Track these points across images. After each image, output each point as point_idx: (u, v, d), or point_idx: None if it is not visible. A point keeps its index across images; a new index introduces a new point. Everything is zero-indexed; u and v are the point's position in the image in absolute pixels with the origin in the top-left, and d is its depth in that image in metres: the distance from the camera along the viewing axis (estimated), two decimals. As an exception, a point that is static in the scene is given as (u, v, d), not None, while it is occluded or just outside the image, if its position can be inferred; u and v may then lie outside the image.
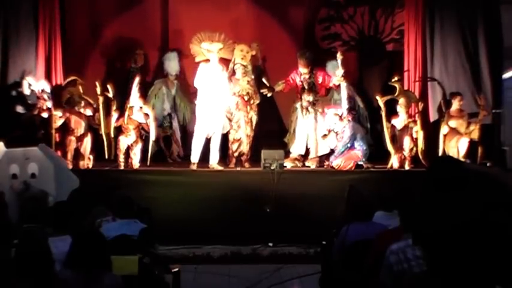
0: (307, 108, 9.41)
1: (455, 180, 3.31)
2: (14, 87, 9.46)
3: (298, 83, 9.41)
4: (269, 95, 9.52)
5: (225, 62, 9.41)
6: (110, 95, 9.13)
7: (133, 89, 9.23)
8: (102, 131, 9.19)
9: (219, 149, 9.24)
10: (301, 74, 9.40)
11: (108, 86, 9.12)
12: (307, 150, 9.52)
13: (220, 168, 9.14)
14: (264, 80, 9.57)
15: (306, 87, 9.38)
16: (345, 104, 9.28)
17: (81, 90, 9.28)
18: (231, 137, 9.31)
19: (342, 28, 10.87)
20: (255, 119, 9.37)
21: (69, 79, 9.46)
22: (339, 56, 9.25)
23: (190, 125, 9.92)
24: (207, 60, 9.22)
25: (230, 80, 9.29)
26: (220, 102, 9.16)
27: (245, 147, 9.35)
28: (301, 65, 9.35)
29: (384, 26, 10.79)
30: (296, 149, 9.51)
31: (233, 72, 9.33)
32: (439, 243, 2.92)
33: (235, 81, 9.30)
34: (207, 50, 9.14)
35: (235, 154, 9.36)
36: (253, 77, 9.50)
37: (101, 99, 9.15)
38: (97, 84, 9.18)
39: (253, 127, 9.38)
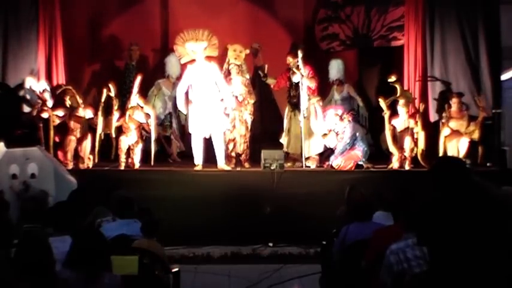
0: (295, 105, 9.42)
1: (457, 180, 3.31)
2: (14, 87, 9.46)
3: (287, 80, 9.41)
4: (268, 81, 9.76)
5: (219, 62, 9.39)
6: (112, 94, 9.13)
7: (134, 89, 9.24)
8: (98, 134, 9.17)
9: (224, 149, 9.25)
10: (289, 67, 9.38)
11: (110, 85, 9.12)
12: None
13: (228, 168, 9.12)
14: (260, 72, 9.63)
15: (294, 82, 9.37)
16: (304, 102, 9.22)
17: (78, 96, 9.25)
18: (226, 137, 9.31)
19: (340, 28, 10.87)
20: (249, 119, 9.36)
21: (62, 88, 9.43)
22: (299, 53, 9.23)
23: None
24: (193, 61, 9.22)
25: (227, 81, 9.30)
26: (214, 101, 9.12)
27: (240, 148, 9.33)
28: (289, 56, 9.37)
29: (377, 24, 10.77)
30: (292, 149, 9.49)
31: (228, 72, 9.34)
32: (442, 242, 2.93)
33: (229, 82, 9.30)
34: (192, 51, 9.13)
35: (232, 154, 9.35)
36: (248, 76, 9.53)
37: (101, 106, 9.16)
38: (111, 87, 9.13)
39: (249, 127, 9.37)
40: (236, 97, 9.25)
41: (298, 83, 9.32)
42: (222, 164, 9.12)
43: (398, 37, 10.31)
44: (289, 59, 9.44)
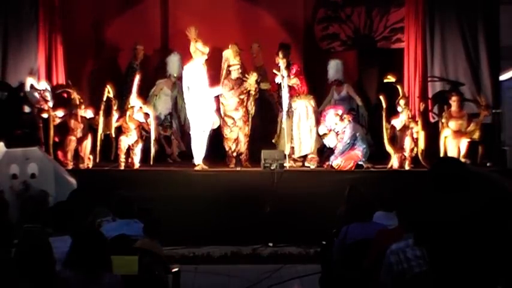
0: (281, 106, 9.43)
1: (456, 181, 3.32)
2: (14, 87, 9.47)
3: (279, 80, 9.40)
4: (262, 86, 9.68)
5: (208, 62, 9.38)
6: (111, 95, 9.14)
7: (134, 88, 9.25)
8: (99, 134, 9.18)
9: (207, 147, 9.26)
10: (279, 67, 9.37)
11: (109, 86, 9.13)
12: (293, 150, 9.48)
13: (205, 167, 9.12)
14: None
15: (283, 83, 9.37)
16: (285, 104, 9.23)
17: (78, 96, 9.25)
18: (231, 136, 9.31)
19: (340, 28, 10.87)
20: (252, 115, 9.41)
21: (64, 89, 9.43)
22: (280, 54, 9.24)
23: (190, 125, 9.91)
24: (190, 60, 9.25)
25: (228, 81, 9.31)
26: (207, 100, 9.17)
27: (243, 147, 9.35)
28: (281, 57, 9.32)
29: (379, 25, 10.78)
30: (284, 149, 9.47)
31: (228, 72, 9.34)
32: (440, 242, 2.93)
33: (234, 81, 9.30)
34: (202, 52, 9.15)
35: (234, 154, 9.36)
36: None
37: (102, 106, 9.17)
38: (109, 88, 9.13)
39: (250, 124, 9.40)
40: (248, 94, 9.30)
41: (281, 84, 9.34)
42: (200, 161, 9.10)
43: (402, 39, 10.27)
44: (279, 61, 9.45)
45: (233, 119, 9.29)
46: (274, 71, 9.34)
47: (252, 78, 9.30)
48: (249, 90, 9.28)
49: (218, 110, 9.39)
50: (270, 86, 9.77)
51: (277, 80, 9.34)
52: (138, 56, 10.21)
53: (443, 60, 9.75)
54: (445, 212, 3.06)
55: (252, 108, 9.37)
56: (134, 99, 9.21)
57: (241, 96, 9.28)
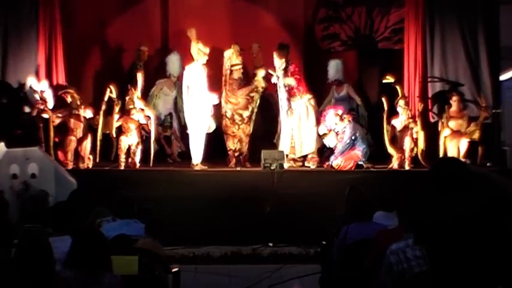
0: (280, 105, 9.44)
1: (456, 181, 3.33)
2: (14, 87, 9.47)
3: (274, 80, 9.40)
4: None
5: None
6: (114, 95, 9.14)
7: (138, 88, 9.25)
8: (99, 134, 9.18)
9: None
10: (276, 68, 9.36)
11: (111, 87, 9.13)
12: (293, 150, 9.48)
13: (204, 167, 9.12)
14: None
15: (278, 83, 9.37)
16: (283, 104, 9.27)
17: (78, 96, 9.25)
18: (238, 133, 9.30)
19: (341, 28, 10.88)
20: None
21: (64, 91, 9.43)
22: (274, 54, 9.26)
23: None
24: (191, 62, 9.27)
25: (232, 80, 9.31)
26: (206, 102, 9.19)
27: (244, 147, 9.36)
28: (276, 57, 9.32)
29: (380, 25, 10.78)
30: (284, 149, 9.47)
31: (230, 72, 9.34)
32: (440, 242, 2.93)
33: (237, 81, 9.31)
34: (204, 53, 9.16)
35: (236, 154, 9.36)
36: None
37: (102, 106, 9.17)
38: (112, 88, 9.13)
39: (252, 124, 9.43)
40: (256, 91, 9.33)
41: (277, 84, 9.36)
42: (199, 162, 9.11)
43: (403, 39, 10.25)
44: (277, 62, 9.43)
45: (241, 116, 9.30)
46: (270, 71, 9.36)
47: (260, 75, 9.33)
48: (258, 88, 9.32)
49: (215, 114, 9.40)
50: (266, 84, 9.76)
51: (273, 80, 9.37)
52: (142, 57, 10.19)
53: (443, 61, 9.76)
54: (445, 212, 3.07)
55: (256, 106, 9.40)
56: (137, 99, 9.21)
57: (252, 94, 9.33)
